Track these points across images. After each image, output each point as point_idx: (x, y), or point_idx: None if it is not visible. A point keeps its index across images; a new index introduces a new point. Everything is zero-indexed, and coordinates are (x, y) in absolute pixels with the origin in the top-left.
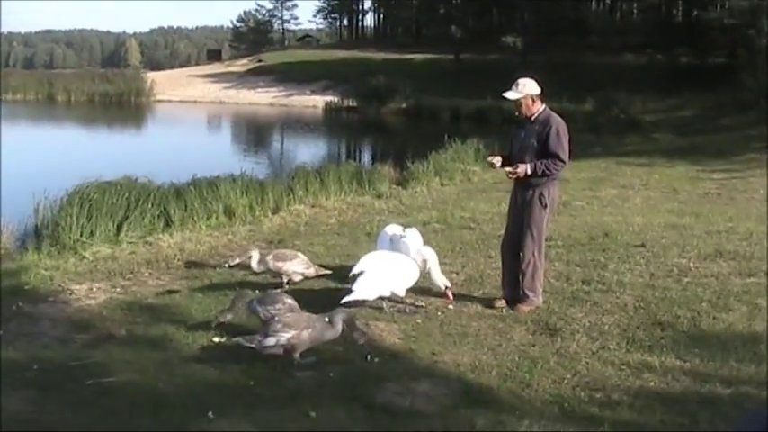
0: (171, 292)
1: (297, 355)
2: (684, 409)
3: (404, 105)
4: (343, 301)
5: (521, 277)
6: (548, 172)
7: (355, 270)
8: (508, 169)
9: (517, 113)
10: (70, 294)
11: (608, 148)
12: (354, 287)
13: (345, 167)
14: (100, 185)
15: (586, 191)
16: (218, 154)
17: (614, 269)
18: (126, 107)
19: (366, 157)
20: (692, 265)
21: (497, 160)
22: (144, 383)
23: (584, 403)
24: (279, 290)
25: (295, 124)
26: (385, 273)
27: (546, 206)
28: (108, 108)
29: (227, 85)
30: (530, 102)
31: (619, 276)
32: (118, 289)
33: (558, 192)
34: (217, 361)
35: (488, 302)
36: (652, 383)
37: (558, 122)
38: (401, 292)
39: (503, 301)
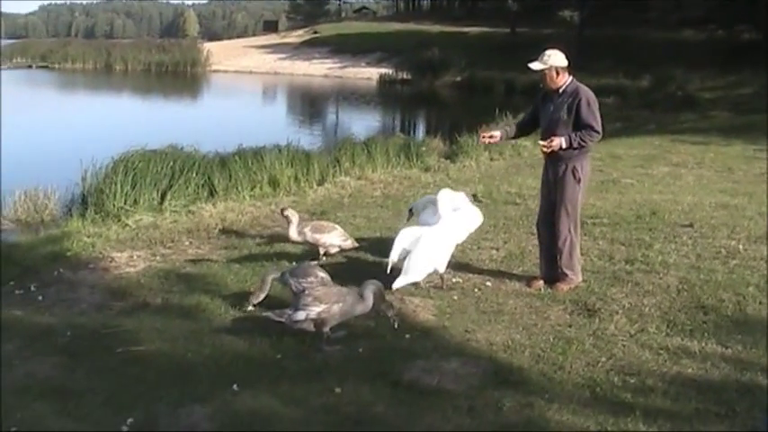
0: (209, 261)
1: (327, 329)
2: (721, 398)
3: (458, 78)
4: (395, 286)
5: (558, 256)
6: (583, 143)
7: (397, 249)
8: (542, 143)
9: (542, 85)
10: (110, 262)
11: (663, 124)
12: (406, 269)
13: (393, 140)
14: (145, 154)
15: (638, 168)
16: (271, 124)
17: (659, 249)
18: (181, 77)
19: (418, 130)
20: (740, 247)
21: (488, 136)
22: (173, 353)
23: (616, 388)
24: (314, 262)
25: (349, 96)
26: (432, 250)
27: (579, 180)
28: (163, 77)
29: (283, 56)
30: (554, 74)
31: (663, 257)
32: (158, 257)
33: (589, 166)
34: (247, 333)
35: (527, 281)
36: (690, 370)
37: (586, 93)
38: (443, 268)
39: (541, 282)
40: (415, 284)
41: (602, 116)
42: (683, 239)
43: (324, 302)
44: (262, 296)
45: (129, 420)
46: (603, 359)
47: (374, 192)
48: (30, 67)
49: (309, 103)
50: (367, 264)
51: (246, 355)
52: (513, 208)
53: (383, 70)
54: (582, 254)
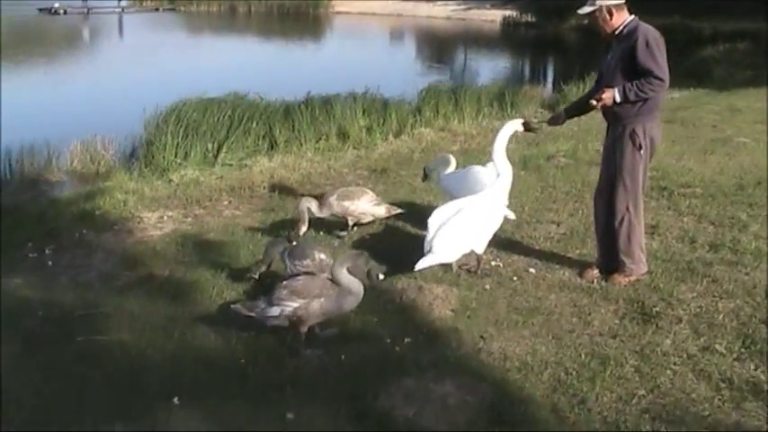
0: (238, 226)
1: (305, 328)
2: None
3: (585, 22)
4: (418, 267)
5: (615, 238)
6: (642, 94)
7: (431, 228)
8: (593, 99)
9: (600, 32)
10: (138, 223)
11: None
12: (433, 248)
13: (487, 87)
14: (201, 102)
15: (758, 124)
16: (391, 71)
17: (755, 232)
18: (303, 19)
19: (533, 76)
20: None
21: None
22: (134, 346)
23: None
24: (343, 233)
25: (468, 39)
26: (468, 228)
27: (641, 147)
28: (285, 19)
29: None
30: (606, 15)
31: (758, 243)
32: (189, 219)
33: (658, 129)
34: (224, 326)
35: (581, 269)
36: (755, 422)
37: (646, 32)
38: (481, 249)
39: (596, 271)
40: (445, 267)
41: (670, 61)
42: None
43: (302, 297)
44: (264, 268)
45: None
46: (642, 392)
47: (452, 146)
48: (157, 10)
49: (433, 47)
50: (404, 237)
51: (211, 355)
52: (597, 171)
53: (508, 12)
54: (658, 234)
